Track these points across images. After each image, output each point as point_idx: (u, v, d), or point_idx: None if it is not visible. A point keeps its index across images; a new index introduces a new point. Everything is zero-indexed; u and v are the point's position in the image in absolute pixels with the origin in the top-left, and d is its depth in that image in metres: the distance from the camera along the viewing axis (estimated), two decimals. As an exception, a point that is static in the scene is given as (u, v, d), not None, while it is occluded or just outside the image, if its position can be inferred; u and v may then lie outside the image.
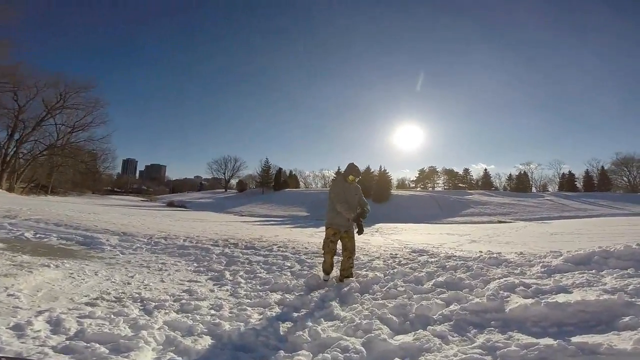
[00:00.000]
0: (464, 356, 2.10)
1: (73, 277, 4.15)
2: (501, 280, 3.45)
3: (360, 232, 4.51)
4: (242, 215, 33.98)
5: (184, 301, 3.40)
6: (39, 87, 32.01)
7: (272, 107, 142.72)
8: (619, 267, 3.71)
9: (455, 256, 5.27)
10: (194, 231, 10.35)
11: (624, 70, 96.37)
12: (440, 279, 3.84)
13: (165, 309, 3.11)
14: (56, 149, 35.83)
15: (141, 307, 3.16)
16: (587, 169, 57.63)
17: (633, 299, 2.53)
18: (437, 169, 65.15)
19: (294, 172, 70.30)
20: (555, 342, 2.08)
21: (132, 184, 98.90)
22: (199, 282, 4.51)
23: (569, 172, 59.37)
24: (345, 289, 3.85)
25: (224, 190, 70.69)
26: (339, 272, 4.57)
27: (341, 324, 2.83)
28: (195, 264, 5.62)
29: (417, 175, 65.58)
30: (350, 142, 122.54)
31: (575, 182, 57.48)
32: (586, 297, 2.63)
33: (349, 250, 4.52)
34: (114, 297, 3.47)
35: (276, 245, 7.31)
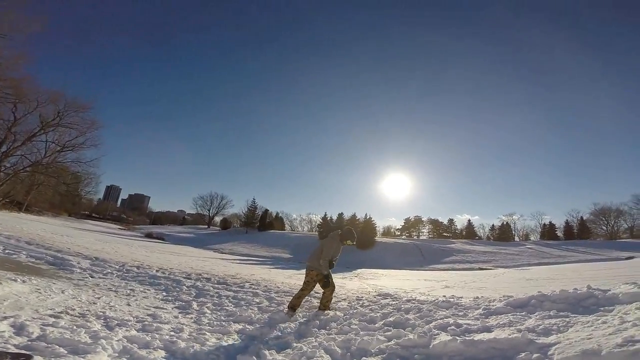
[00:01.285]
0: None
1: (39, 292, 4.28)
2: (440, 320, 3.79)
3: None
4: (223, 253, 33.27)
5: (146, 323, 3.59)
6: (40, 102, 31.95)
7: (263, 149, 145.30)
8: (553, 309, 4.09)
9: (414, 299, 5.58)
10: (169, 264, 10.33)
11: (596, 127, 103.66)
12: (391, 319, 4.16)
13: (126, 327, 3.31)
14: (41, 166, 35.08)
15: (104, 324, 3.35)
16: (567, 219, 59.39)
17: (536, 338, 2.83)
18: (423, 219, 66.24)
19: (280, 214, 70.18)
20: None
21: (112, 211, 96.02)
22: (165, 309, 4.65)
23: (550, 222, 61.06)
24: (305, 325, 4.10)
25: (206, 226, 69.46)
26: (319, 304, 5.14)
27: (291, 352, 3.09)
28: (164, 293, 5.74)
29: (403, 223, 66.28)
30: (338, 188, 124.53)
31: (556, 232, 58.83)
32: (499, 336, 2.94)
33: (332, 286, 5.15)
34: (78, 312, 3.65)
35: (249, 282, 7.45)
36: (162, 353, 2.72)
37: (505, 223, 61.65)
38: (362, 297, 6.29)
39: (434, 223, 65.79)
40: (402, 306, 4.94)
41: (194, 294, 5.85)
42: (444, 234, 62.42)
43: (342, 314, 4.66)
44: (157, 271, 7.89)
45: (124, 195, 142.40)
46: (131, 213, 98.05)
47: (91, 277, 6.40)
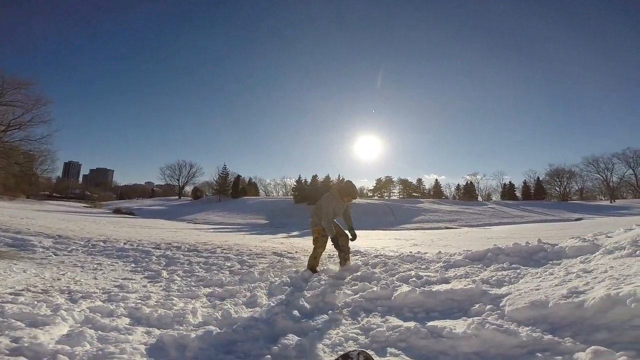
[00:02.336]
0: (342, 334, 2.52)
1: (-1, 274, 4.07)
2: (403, 273, 4.00)
3: (353, 238, 5.09)
4: (197, 223, 32.92)
5: (112, 293, 3.55)
6: None
7: (231, 112, 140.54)
8: (507, 262, 4.44)
9: (381, 255, 5.84)
10: (138, 236, 10.09)
11: (556, 89, 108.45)
12: (358, 273, 4.33)
13: (91, 299, 3.26)
14: None
15: (67, 297, 3.28)
16: (525, 180, 63.82)
17: (489, 289, 3.04)
18: (393, 179, 68.07)
19: (253, 180, 69.31)
20: (413, 325, 2.44)
21: (74, 189, 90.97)
22: (133, 279, 4.59)
23: (510, 182, 65.20)
24: (277, 283, 4.18)
25: (177, 197, 67.48)
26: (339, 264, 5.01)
27: (259, 309, 3.17)
28: (132, 265, 5.64)
29: (375, 184, 67.89)
30: (311, 150, 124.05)
31: (515, 192, 63.08)
32: (455, 287, 3.14)
33: (344, 247, 4.98)
34: (40, 289, 3.54)
35: (220, 248, 7.42)
36: (126, 320, 2.72)
37: (469, 183, 64.97)
38: (333, 255, 6.46)
39: (404, 183, 67.97)
40: (370, 261, 5.16)
41: (164, 263, 5.79)
42: (414, 193, 64.83)
43: (314, 272, 4.78)
44: (124, 244, 7.69)
45: (85, 171, 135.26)
46: (95, 189, 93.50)
47: (55, 255, 6.15)
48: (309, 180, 52.27)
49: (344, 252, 4.99)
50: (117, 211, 43.03)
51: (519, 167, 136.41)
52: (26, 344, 2.04)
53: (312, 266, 4.86)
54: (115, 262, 5.79)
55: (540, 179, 62.50)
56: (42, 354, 1.99)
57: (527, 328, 2.21)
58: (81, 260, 5.78)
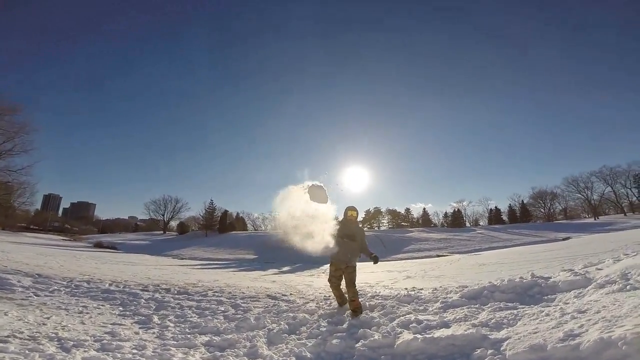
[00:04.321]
0: None
1: (-22, 317, 3.84)
2: (402, 317, 3.99)
3: (375, 261, 5.22)
4: (183, 259, 31.92)
5: (105, 341, 3.38)
6: None
7: (218, 147, 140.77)
8: (503, 300, 4.50)
9: (378, 295, 5.80)
10: (123, 275, 9.69)
11: (530, 116, 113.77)
12: (357, 319, 4.29)
13: (84, 348, 3.10)
14: None
15: (58, 346, 3.12)
16: (510, 204, 66.02)
17: (488, 333, 3.08)
18: (382, 209, 68.52)
19: (241, 214, 68.60)
20: None
21: (53, 221, 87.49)
22: (124, 325, 4.39)
23: (495, 207, 67.11)
24: (275, 330, 4.08)
25: (162, 232, 65.80)
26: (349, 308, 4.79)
27: (262, 361, 3.07)
28: (120, 308, 5.39)
29: (364, 215, 68.09)
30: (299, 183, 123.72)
31: (502, 216, 64.66)
32: (456, 332, 3.16)
33: (347, 283, 4.89)
34: (27, 335, 3.35)
35: (212, 290, 7.20)
36: None
37: (456, 210, 66.09)
38: (329, 296, 6.37)
39: (392, 213, 68.65)
40: (367, 303, 5.11)
41: (154, 307, 5.56)
42: (402, 223, 65.32)
43: (310, 316, 4.70)
44: (110, 285, 7.36)
45: (65, 204, 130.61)
46: (76, 223, 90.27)
47: (36, 295, 5.83)
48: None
49: (349, 302, 4.82)
50: (99, 245, 41.47)
51: (504, 192, 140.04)
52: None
53: (338, 302, 5.10)
54: (102, 305, 5.53)
55: (525, 202, 64.61)
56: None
57: None
58: (65, 302, 5.50)
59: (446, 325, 3.57)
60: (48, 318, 4.28)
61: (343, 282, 5.10)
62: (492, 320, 3.44)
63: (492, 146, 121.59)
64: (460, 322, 3.61)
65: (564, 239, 32.19)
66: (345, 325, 4.09)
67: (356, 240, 5.12)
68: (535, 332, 2.81)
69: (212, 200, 60.28)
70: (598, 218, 55.58)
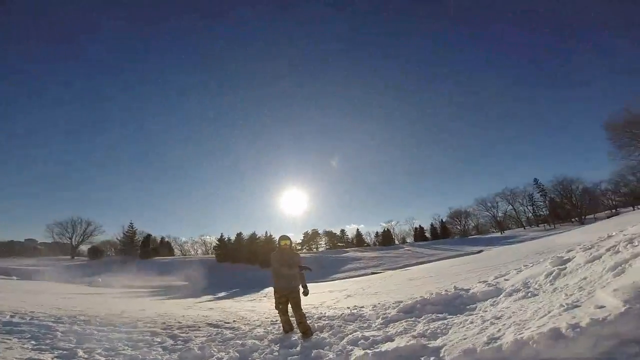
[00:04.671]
0: None
1: None
2: (350, 335, 4.26)
3: (305, 293, 5.22)
4: (98, 287, 28.12)
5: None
6: None
7: (137, 165, 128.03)
8: (433, 312, 5.05)
9: (324, 316, 6.00)
10: (25, 305, 8.19)
11: (449, 136, 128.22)
12: (309, 340, 4.42)
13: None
14: None
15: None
16: (432, 222, 74.06)
17: (427, 343, 3.45)
18: (319, 231, 69.81)
19: (166, 239, 63.22)
20: None
21: None
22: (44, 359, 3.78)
23: (420, 226, 74.27)
24: (225, 359, 3.94)
25: (70, 257, 57.16)
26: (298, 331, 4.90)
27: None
28: (33, 342, 4.52)
29: (302, 238, 68.51)
30: (233, 207, 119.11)
31: (425, 233, 71.66)
32: (400, 344, 3.47)
33: (294, 307, 4.96)
34: None
35: (141, 321, 6.49)
36: None
37: (386, 229, 71.24)
38: (276, 320, 6.31)
39: (329, 235, 70.51)
40: (316, 324, 5.27)
41: (75, 340, 4.78)
42: (339, 244, 67.29)
43: (260, 342, 4.65)
44: (12, 316, 6.15)
45: None
46: (-50, 245, 73.08)
47: None
48: (232, 238, 50.07)
49: (297, 325, 4.97)
50: (-13, 272, 34.21)
51: (426, 212, 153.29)
52: None
53: (284, 329, 5.12)
54: (8, 339, 4.60)
55: (444, 220, 73.54)
56: None
57: None
58: (-46, 338, 4.51)
59: (390, 339, 3.90)
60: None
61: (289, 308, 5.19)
62: (428, 331, 3.87)
63: (415, 168, 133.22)
64: (401, 334, 3.99)
65: (478, 252, 36.60)
66: (298, 348, 4.16)
67: (294, 267, 5.25)
68: (465, 339, 3.27)
69: (131, 223, 54.50)
70: (503, 232, 65.36)
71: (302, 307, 5.05)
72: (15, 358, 3.75)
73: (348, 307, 7.04)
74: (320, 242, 70.33)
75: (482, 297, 5.57)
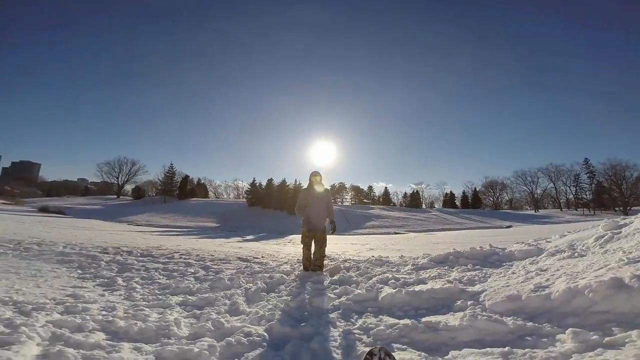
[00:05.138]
0: (346, 335, 2.57)
1: None
2: (379, 276, 4.16)
3: (333, 229, 5.37)
4: (139, 225, 30.53)
5: (68, 304, 3.11)
6: None
7: (180, 109, 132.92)
8: (469, 264, 4.84)
9: (350, 259, 5.97)
10: (77, 239, 9.06)
11: (493, 107, 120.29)
12: (336, 277, 4.41)
13: (46, 311, 2.82)
14: None
15: (15, 310, 2.80)
16: (464, 190, 71.01)
17: (465, 287, 3.35)
18: (346, 185, 69.96)
19: (202, 181, 66.11)
20: (410, 322, 2.62)
21: (-10, 182, 78.80)
22: (86, 287, 4.09)
23: (450, 192, 71.88)
24: (253, 289, 4.04)
25: (116, 196, 61.86)
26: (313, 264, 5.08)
27: (247, 317, 3.03)
28: (79, 271, 5.02)
29: (328, 188, 69.03)
30: (266, 154, 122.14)
31: (455, 201, 69.19)
32: (434, 286, 3.37)
33: (319, 241, 5.13)
34: (-25, 301, 2.97)
35: (177, 253, 6.95)
36: (102, 335, 2.38)
37: (415, 191, 69.73)
38: (301, 259, 6.45)
39: (356, 190, 70.53)
40: (342, 265, 5.25)
41: (116, 269, 5.21)
42: (365, 200, 67.43)
43: (287, 277, 4.72)
44: (64, 247, 6.85)
45: (5, 163, 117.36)
46: (17, 184, 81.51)
47: (-24, 259, 5.27)
48: (263, 183, 51.20)
49: (313, 259, 5.12)
50: (44, 210, 38.15)
51: (459, 178, 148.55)
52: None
53: (304, 265, 5.12)
54: (58, 268, 5.10)
55: (477, 189, 69.92)
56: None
57: (510, 318, 2.50)
58: (14, 266, 5.01)
59: (423, 282, 3.78)
60: (-4, 282, 3.87)
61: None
62: (465, 278, 3.70)
63: (453, 134, 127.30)
64: (435, 279, 3.85)
65: (507, 227, 35.37)
66: (325, 284, 4.17)
67: (322, 203, 5.35)
68: (508, 286, 3.07)
69: (172, 163, 56.58)
70: (538, 211, 61.86)
71: (325, 247, 5.17)
72: (62, 286, 4.03)
73: (372, 256, 6.99)
74: (346, 197, 70.86)
75: (521, 255, 5.22)
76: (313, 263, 5.03)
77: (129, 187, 65.22)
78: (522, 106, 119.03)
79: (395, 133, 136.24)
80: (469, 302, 2.90)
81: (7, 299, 3.11)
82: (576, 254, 4.33)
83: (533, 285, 2.83)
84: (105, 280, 4.53)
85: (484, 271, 4.01)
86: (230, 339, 2.35)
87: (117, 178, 63.78)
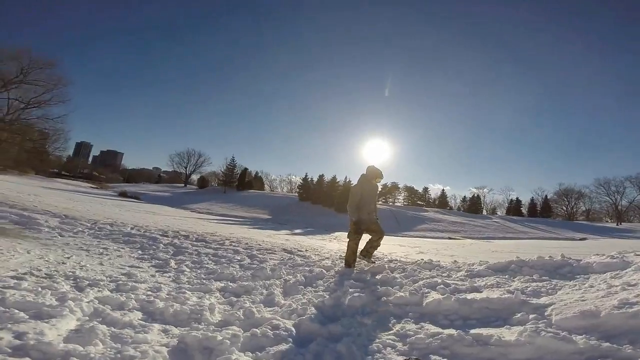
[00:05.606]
0: (378, 341, 2.33)
1: (2, 253, 3.90)
2: (427, 280, 3.79)
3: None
4: (200, 212, 32.95)
5: (120, 282, 3.35)
6: (1, 58, 29.78)
7: (245, 105, 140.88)
8: (534, 274, 4.21)
9: (396, 260, 5.63)
10: (144, 222, 9.96)
11: (568, 113, 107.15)
12: (378, 277, 4.14)
13: (99, 287, 3.05)
14: (4, 123, 33.00)
15: (73, 284, 3.07)
16: (533, 197, 63.58)
17: (528, 298, 2.88)
18: (399, 185, 67.70)
19: (259, 174, 69.20)
20: (456, 333, 2.32)
21: (83, 168, 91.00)
22: (141, 268, 4.41)
23: (517, 198, 64.81)
24: (291, 281, 3.99)
25: (183, 185, 67.61)
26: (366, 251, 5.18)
27: (279, 309, 2.98)
28: (139, 252, 5.47)
29: (380, 189, 67.41)
30: (319, 150, 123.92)
31: (521, 208, 62.46)
32: (491, 295, 2.96)
33: (377, 232, 5.10)
34: (45, 273, 3.32)
35: (229, 240, 7.24)
36: (139, 314, 2.51)
37: (475, 195, 64.77)
38: (343, 256, 6.28)
39: (410, 190, 67.74)
40: (387, 265, 4.95)
41: (172, 252, 5.60)
42: (418, 202, 64.57)
43: (327, 272, 4.59)
44: (131, 229, 7.54)
45: (95, 152, 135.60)
46: (103, 170, 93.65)
47: (60, 235, 5.99)
48: (315, 179, 51.84)
49: (369, 244, 5.12)
50: (123, 194, 43.13)
51: (527, 184, 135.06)
52: (32, 342, 1.81)
53: (347, 261, 4.92)
54: (122, 248, 5.62)
55: (548, 197, 62.46)
56: (51, 355, 1.76)
57: (581, 336, 2.12)
58: (87, 244, 5.62)
59: (477, 290, 3.34)
60: (68, 258, 4.32)
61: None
62: (529, 289, 3.19)
63: (523, 136, 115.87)
64: (492, 288, 3.38)
65: (580, 239, 31.13)
66: (365, 282, 3.94)
67: (375, 200, 5.28)
68: (583, 300, 2.58)
69: (233, 156, 60.45)
70: (620, 224, 53.32)
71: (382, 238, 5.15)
72: (121, 265, 4.41)
73: (422, 259, 6.52)
74: (399, 197, 68.54)
75: (600, 269, 4.37)
76: (366, 249, 5.04)
77: (195, 177, 70.90)
78: (608, 106, 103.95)
79: (457, 133, 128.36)
80: (530, 316, 2.49)
81: (70, 273, 3.44)
82: (674, 271, 3.52)
83: (617, 301, 2.33)
84: (160, 262, 4.86)
85: (553, 282, 3.42)
86: (256, 330, 2.29)
87: (186, 168, 69.94)
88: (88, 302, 2.54)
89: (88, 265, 4.06)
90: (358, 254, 5.02)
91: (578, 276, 4.08)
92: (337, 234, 19.92)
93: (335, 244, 12.37)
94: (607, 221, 58.90)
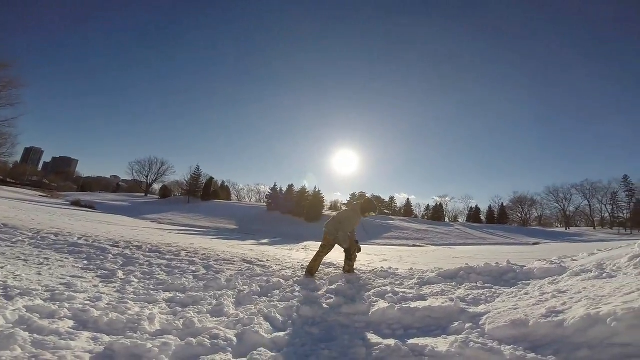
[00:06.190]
0: (317, 352, 2.32)
1: None
2: (378, 288, 3.87)
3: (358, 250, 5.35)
4: (161, 223, 31.46)
5: (57, 292, 3.12)
6: None
7: (209, 112, 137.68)
8: (480, 281, 4.44)
9: (355, 269, 5.69)
10: (95, 232, 9.35)
11: (517, 122, 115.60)
12: (333, 287, 4.15)
13: (30, 297, 2.83)
14: None
15: (1, 294, 2.82)
16: (491, 205, 67.84)
17: (467, 307, 2.99)
18: (367, 195, 68.94)
19: (226, 184, 67.62)
20: (393, 343, 2.33)
21: (32, 175, 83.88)
22: (84, 278, 4.13)
23: (476, 206, 68.50)
24: (245, 292, 3.91)
25: (144, 194, 64.28)
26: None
27: (226, 319, 2.89)
28: (85, 262, 5.13)
29: (349, 198, 68.42)
30: (288, 160, 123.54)
31: (480, 215, 66.03)
32: (433, 304, 3.05)
33: (353, 254, 5.23)
34: (-31, 284, 3.02)
35: (185, 251, 6.98)
36: (70, 323, 2.35)
37: (438, 204, 67.67)
38: (306, 265, 6.26)
39: (377, 200, 69.27)
40: (345, 275, 5.00)
41: (121, 263, 5.30)
42: (385, 210, 66.12)
43: (285, 281, 4.56)
44: (79, 239, 7.04)
45: (46, 158, 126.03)
46: (55, 178, 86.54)
47: (-6, 245, 5.49)
48: (284, 189, 51.46)
49: (351, 261, 5.21)
50: (76, 203, 40.18)
51: (486, 193, 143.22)
52: None
53: (310, 269, 4.98)
54: (65, 258, 5.24)
55: (505, 204, 66.72)
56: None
57: (509, 347, 2.18)
58: (25, 254, 5.18)
59: (422, 298, 3.45)
60: (1, 267, 3.98)
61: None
62: (470, 297, 3.33)
63: (481, 147, 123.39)
64: (437, 295, 3.50)
65: (533, 244, 33.36)
66: (320, 292, 3.96)
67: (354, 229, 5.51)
68: (516, 308, 2.71)
69: (198, 165, 58.01)
70: (569, 228, 58.15)
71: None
72: (61, 275, 4.12)
73: (382, 267, 6.67)
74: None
75: (540, 274, 4.71)
76: (348, 270, 5.12)
77: (157, 187, 67.75)
78: (557, 120, 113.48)
79: (421, 144, 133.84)
80: (466, 325, 2.58)
81: (0, 283, 3.15)
82: (604, 275, 3.85)
83: (545, 310, 2.47)
84: (106, 272, 4.58)
85: (493, 290, 3.60)
86: (192, 339, 2.23)
87: (147, 177, 66.62)
88: (14, 310, 2.37)
89: (23, 275, 3.75)
90: (343, 272, 5.12)
91: (519, 282, 4.35)
92: (305, 243, 19.81)
93: (302, 253, 12.30)
94: (557, 226, 64.06)
